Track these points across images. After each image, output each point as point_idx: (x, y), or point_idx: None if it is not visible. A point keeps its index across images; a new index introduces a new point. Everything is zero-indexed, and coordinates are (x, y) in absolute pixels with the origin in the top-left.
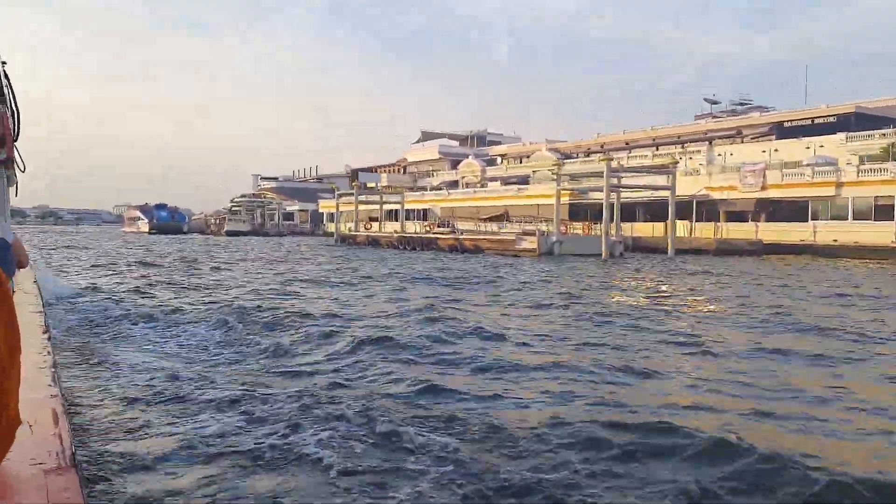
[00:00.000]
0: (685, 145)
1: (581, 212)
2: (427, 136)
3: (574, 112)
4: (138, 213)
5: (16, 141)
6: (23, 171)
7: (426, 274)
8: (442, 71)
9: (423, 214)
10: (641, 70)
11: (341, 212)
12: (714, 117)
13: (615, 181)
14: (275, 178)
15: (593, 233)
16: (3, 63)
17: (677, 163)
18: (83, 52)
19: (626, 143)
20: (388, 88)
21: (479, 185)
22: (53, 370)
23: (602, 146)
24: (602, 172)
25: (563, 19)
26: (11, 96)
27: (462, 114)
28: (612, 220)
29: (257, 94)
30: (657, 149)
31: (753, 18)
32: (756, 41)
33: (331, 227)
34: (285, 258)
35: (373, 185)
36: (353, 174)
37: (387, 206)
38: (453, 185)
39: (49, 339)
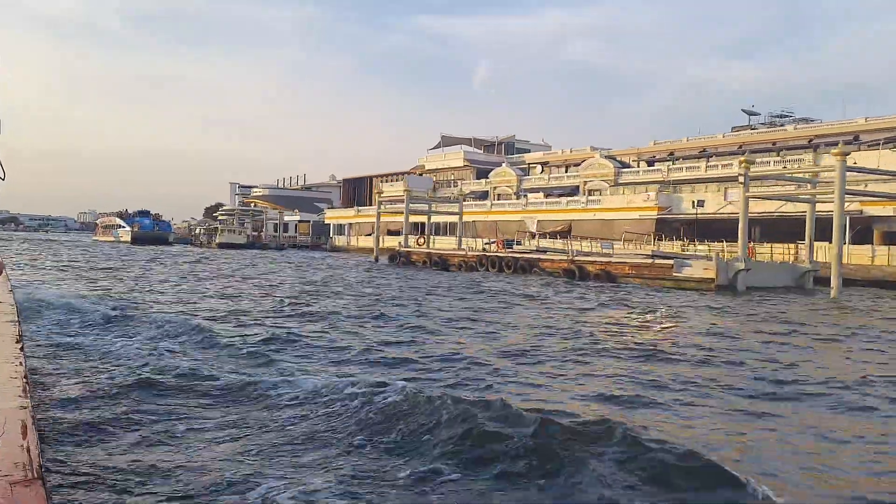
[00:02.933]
0: (781, 153)
1: (667, 228)
2: (447, 142)
3: (563, 126)
4: (118, 221)
5: None
6: (3, 179)
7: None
8: (430, 86)
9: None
10: (627, 92)
11: (353, 224)
12: (752, 129)
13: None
14: (254, 187)
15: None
16: None
17: None
18: (45, 58)
19: (703, 150)
20: (373, 101)
21: (514, 195)
22: (25, 380)
23: (671, 153)
24: (806, 174)
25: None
26: None
27: (467, 126)
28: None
29: (234, 104)
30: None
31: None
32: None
33: (339, 241)
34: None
35: (422, 193)
36: (345, 184)
37: (417, 218)
38: (483, 195)
39: (22, 348)
